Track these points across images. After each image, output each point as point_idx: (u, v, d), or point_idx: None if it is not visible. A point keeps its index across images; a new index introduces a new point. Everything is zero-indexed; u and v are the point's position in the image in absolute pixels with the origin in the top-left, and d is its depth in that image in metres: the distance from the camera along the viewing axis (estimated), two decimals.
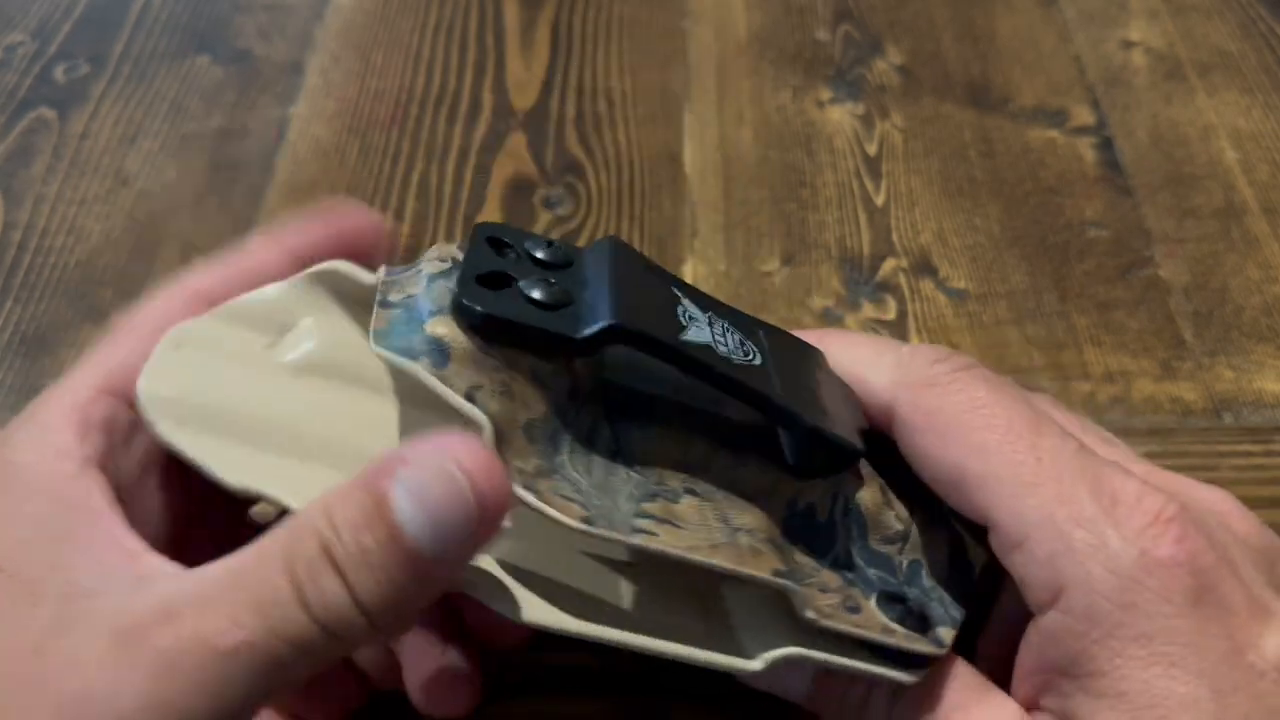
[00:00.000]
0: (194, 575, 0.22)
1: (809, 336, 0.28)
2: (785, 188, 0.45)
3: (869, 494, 0.27)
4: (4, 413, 0.38)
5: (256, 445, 0.26)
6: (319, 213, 0.28)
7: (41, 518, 0.23)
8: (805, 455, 0.26)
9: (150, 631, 0.21)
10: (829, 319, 0.40)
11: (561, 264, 0.25)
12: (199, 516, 0.28)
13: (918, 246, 0.43)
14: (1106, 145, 0.47)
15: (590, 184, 0.46)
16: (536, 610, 0.25)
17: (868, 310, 0.41)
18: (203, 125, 0.48)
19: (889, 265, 0.42)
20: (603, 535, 0.23)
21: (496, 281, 0.24)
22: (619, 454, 0.25)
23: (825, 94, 0.49)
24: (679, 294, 0.26)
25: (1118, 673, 0.22)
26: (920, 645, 0.25)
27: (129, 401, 0.26)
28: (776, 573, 0.24)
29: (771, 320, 0.42)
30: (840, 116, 0.48)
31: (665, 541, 0.24)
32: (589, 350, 0.24)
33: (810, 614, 0.24)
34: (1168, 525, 0.23)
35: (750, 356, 0.25)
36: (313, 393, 0.27)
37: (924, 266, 0.42)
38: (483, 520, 0.21)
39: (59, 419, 0.25)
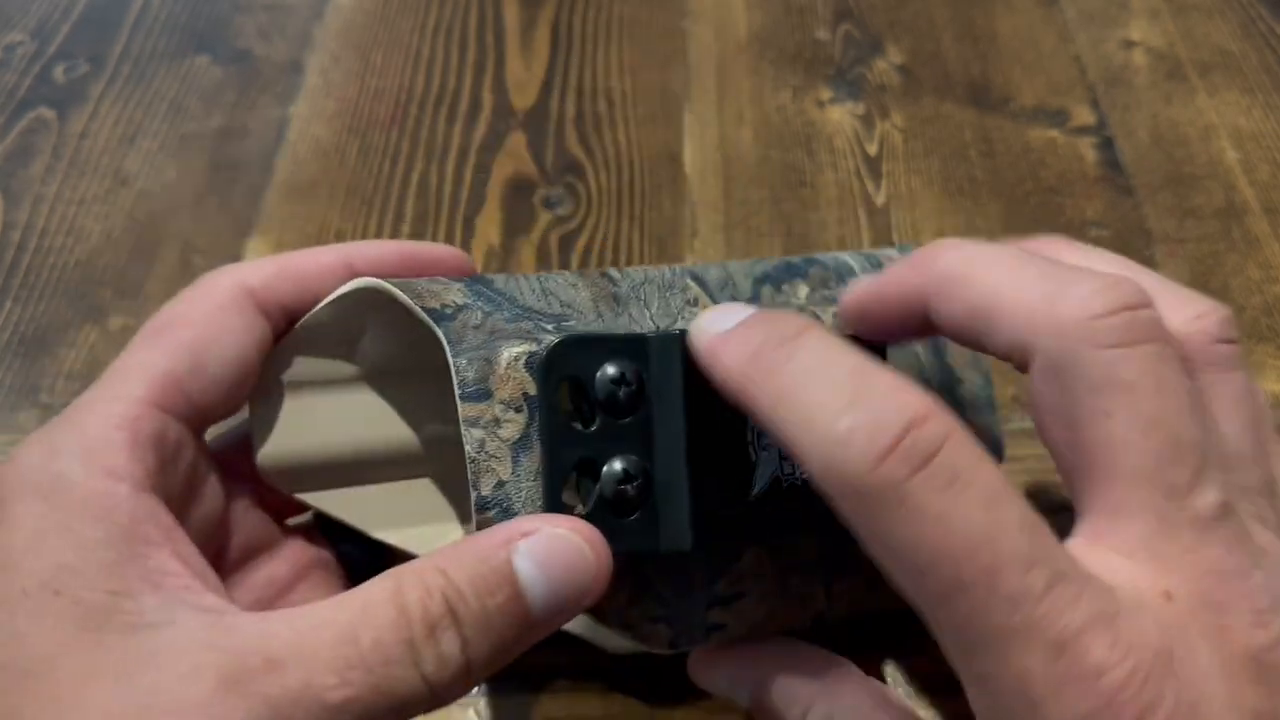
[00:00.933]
0: (288, 623, 0.22)
1: (913, 278, 0.24)
2: (785, 188, 0.45)
3: None
4: (4, 413, 0.38)
5: (379, 484, 0.29)
6: (390, 242, 0.29)
7: (95, 541, 0.22)
8: None
9: (257, 679, 0.20)
10: None
11: (635, 400, 0.25)
12: (235, 529, 0.28)
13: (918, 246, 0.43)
14: (1107, 145, 0.47)
15: (590, 184, 0.46)
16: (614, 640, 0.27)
17: None
18: (202, 125, 0.48)
19: None
20: (687, 650, 0.26)
21: (577, 468, 0.24)
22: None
23: (825, 94, 0.49)
24: None
25: None
26: None
27: (177, 415, 0.25)
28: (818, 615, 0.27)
29: None
30: (840, 116, 0.48)
31: (733, 631, 0.26)
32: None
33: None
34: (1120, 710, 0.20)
35: None
36: (407, 403, 0.29)
37: None
38: (593, 590, 0.23)
39: (108, 434, 0.24)
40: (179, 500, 0.25)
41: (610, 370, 0.24)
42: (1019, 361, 0.22)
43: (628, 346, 0.25)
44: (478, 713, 0.30)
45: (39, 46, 0.52)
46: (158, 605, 0.22)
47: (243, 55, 0.52)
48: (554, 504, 0.24)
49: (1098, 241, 0.43)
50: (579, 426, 0.24)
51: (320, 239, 0.43)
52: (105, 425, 0.24)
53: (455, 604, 0.22)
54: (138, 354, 0.26)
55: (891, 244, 0.43)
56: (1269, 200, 0.44)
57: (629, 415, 0.24)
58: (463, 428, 0.24)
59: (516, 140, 0.47)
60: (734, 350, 0.23)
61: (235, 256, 0.43)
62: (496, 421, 0.24)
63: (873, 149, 0.47)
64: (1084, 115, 0.48)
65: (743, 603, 0.26)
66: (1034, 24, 0.52)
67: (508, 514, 0.24)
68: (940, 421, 0.20)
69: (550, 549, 0.22)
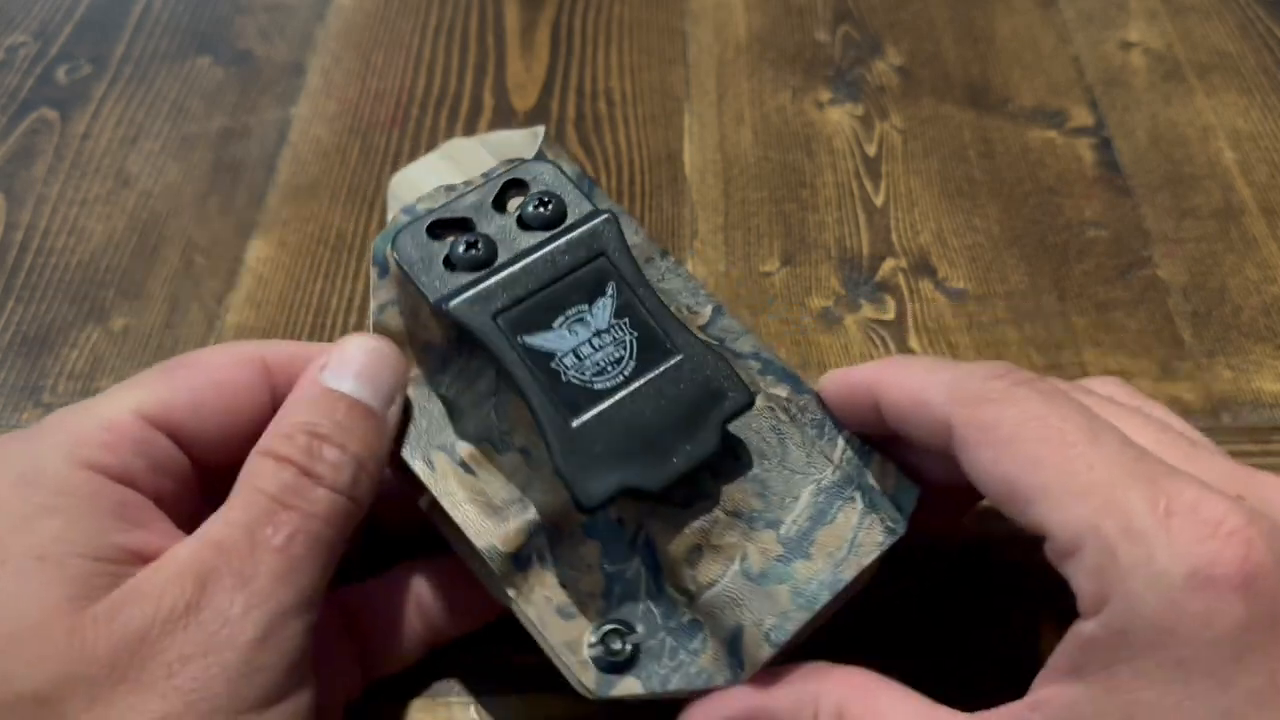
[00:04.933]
0: (210, 526, 0.25)
1: (867, 370, 0.28)
2: (785, 188, 0.46)
3: (676, 545, 0.27)
4: (6, 412, 0.38)
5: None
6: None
7: (77, 514, 0.24)
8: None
9: (214, 568, 0.24)
10: (828, 319, 0.41)
11: (551, 221, 0.29)
12: None
13: (917, 247, 0.43)
14: (1105, 146, 0.47)
15: None
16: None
17: (867, 310, 0.41)
18: (204, 126, 0.49)
19: (888, 265, 0.42)
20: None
21: (464, 224, 0.29)
22: (494, 396, 0.28)
23: (825, 94, 0.50)
24: (612, 295, 0.27)
25: (1133, 694, 0.21)
26: (582, 677, 0.26)
27: (168, 432, 0.27)
28: (491, 549, 0.27)
29: (771, 321, 0.42)
30: (840, 117, 0.49)
31: (432, 479, 0.28)
32: (436, 313, 0.27)
33: (510, 592, 0.27)
34: (1228, 540, 0.21)
35: (601, 378, 0.26)
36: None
37: (923, 267, 0.42)
38: (401, 365, 0.28)
39: (89, 434, 0.25)
40: (168, 502, 0.26)
41: (545, 191, 0.29)
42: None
43: (570, 192, 0.29)
44: (477, 712, 0.30)
45: (41, 47, 0.53)
46: (138, 564, 0.24)
47: (244, 56, 0.52)
48: (404, 231, 0.28)
49: (1095, 241, 0.43)
50: (492, 209, 0.29)
51: (322, 239, 0.44)
52: (88, 426, 0.26)
53: (314, 428, 0.26)
54: (142, 377, 0.27)
55: (890, 244, 0.43)
56: (1267, 201, 0.44)
57: (532, 229, 0.28)
58: None
59: None
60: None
61: (237, 257, 0.43)
62: (482, 182, 0.30)
63: (872, 150, 0.47)
64: (1082, 116, 0.48)
65: (467, 475, 0.28)
66: (1033, 25, 0.53)
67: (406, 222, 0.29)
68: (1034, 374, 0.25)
69: (344, 355, 0.27)
